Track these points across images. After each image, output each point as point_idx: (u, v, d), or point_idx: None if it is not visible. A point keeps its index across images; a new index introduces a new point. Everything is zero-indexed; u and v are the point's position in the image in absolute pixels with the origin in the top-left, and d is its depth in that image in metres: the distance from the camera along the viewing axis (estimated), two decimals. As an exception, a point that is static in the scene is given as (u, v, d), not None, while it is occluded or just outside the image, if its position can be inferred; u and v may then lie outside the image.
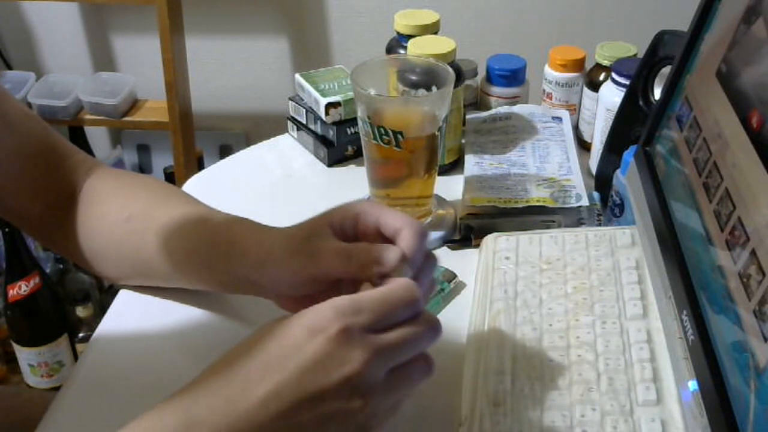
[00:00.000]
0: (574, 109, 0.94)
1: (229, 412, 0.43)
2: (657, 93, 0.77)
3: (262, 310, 0.69)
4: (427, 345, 0.48)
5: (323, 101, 0.88)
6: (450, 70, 0.73)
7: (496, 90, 0.94)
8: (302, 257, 0.54)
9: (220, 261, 0.60)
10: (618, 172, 0.75)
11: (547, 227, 0.76)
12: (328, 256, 0.53)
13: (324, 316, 0.44)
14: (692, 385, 0.49)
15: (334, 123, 0.89)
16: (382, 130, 0.71)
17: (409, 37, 0.84)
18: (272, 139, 0.99)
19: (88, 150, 1.91)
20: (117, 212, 0.66)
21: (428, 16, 0.87)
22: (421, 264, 0.53)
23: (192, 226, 0.63)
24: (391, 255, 0.51)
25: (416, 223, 0.53)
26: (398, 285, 0.48)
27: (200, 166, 1.81)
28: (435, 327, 0.48)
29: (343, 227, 0.55)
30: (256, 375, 0.44)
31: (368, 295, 0.47)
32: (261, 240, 0.58)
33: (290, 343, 0.44)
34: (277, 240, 0.57)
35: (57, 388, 0.68)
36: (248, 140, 1.99)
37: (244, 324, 0.68)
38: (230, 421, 0.43)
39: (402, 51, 0.86)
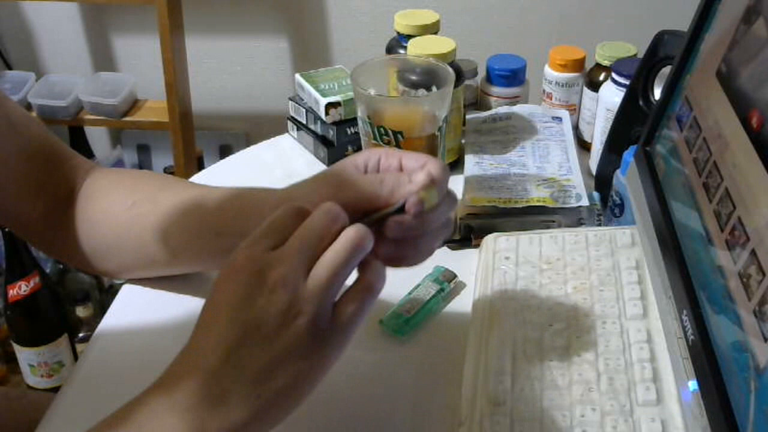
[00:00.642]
0: (574, 109, 0.94)
1: (196, 364, 0.45)
2: (657, 93, 0.77)
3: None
4: (355, 261, 0.46)
5: (323, 101, 0.88)
6: (450, 70, 0.73)
7: (496, 90, 0.94)
8: (331, 186, 0.54)
9: (229, 225, 0.60)
10: (618, 172, 0.75)
11: (547, 227, 0.76)
12: (359, 182, 0.53)
13: (232, 258, 0.46)
14: (692, 385, 0.49)
15: (334, 123, 0.89)
16: (382, 130, 0.71)
17: (409, 37, 0.84)
18: (272, 139, 0.99)
19: (88, 150, 1.91)
20: (121, 201, 0.67)
21: (428, 16, 0.87)
22: (444, 197, 0.54)
23: (197, 202, 0.64)
24: (420, 176, 0.52)
25: (439, 159, 0.53)
26: (317, 213, 0.48)
27: (200, 166, 1.81)
28: (357, 242, 0.46)
29: (367, 167, 0.56)
30: (201, 337, 0.46)
31: (297, 232, 0.47)
32: (272, 193, 0.60)
33: (216, 296, 0.46)
34: (300, 183, 0.58)
35: (57, 388, 0.68)
36: (248, 140, 1.99)
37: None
38: (198, 371, 0.44)
39: (402, 51, 0.86)
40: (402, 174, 0.53)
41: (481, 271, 0.70)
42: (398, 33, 0.87)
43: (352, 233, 0.46)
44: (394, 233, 0.52)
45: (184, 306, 0.70)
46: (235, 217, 0.61)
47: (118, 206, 0.67)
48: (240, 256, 0.46)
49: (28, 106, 1.68)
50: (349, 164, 0.56)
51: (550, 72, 0.93)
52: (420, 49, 0.81)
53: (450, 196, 0.55)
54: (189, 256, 0.65)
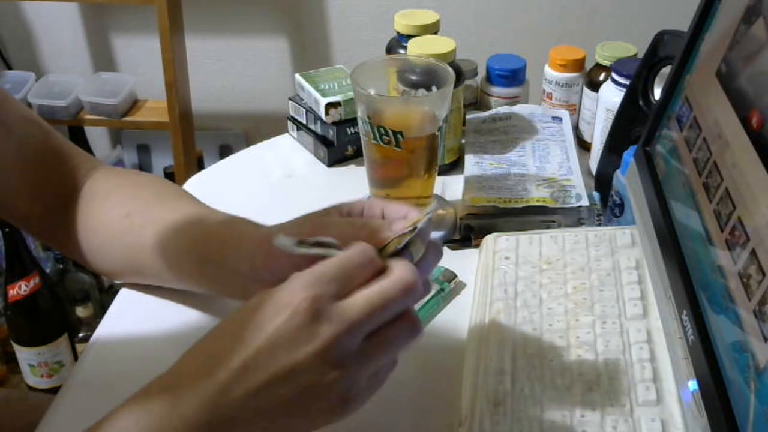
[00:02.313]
0: (574, 109, 0.94)
1: (210, 385, 0.43)
2: (657, 93, 0.77)
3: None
4: (402, 303, 0.45)
5: (323, 101, 0.88)
6: (450, 70, 0.73)
7: (496, 90, 0.94)
8: (314, 226, 0.53)
9: (213, 255, 0.60)
10: (618, 172, 0.75)
11: (547, 227, 0.76)
12: (340, 225, 0.53)
13: (290, 290, 0.44)
14: (692, 385, 0.49)
15: (334, 123, 0.89)
16: (382, 130, 0.71)
17: (409, 37, 0.84)
18: (272, 139, 0.99)
19: (88, 150, 1.91)
20: (117, 209, 0.67)
21: (428, 16, 0.87)
22: (429, 248, 0.52)
23: (188, 225, 0.63)
24: (400, 224, 0.50)
25: (421, 211, 0.53)
26: (354, 248, 0.47)
27: (200, 166, 1.81)
28: (407, 284, 0.45)
29: (351, 214, 0.56)
30: (226, 353, 0.44)
31: (328, 262, 0.46)
32: (258, 229, 0.58)
33: (259, 319, 0.44)
34: (285, 223, 0.57)
35: (57, 388, 0.68)
36: (248, 140, 1.99)
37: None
38: (211, 394, 0.43)
39: (402, 51, 0.86)
40: (383, 221, 0.52)
41: (481, 271, 0.70)
42: (398, 33, 0.87)
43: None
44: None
45: (184, 307, 0.70)
46: (218, 248, 0.60)
47: (113, 214, 0.67)
48: (303, 294, 0.44)
49: (28, 107, 1.68)
50: (333, 210, 0.56)
51: (550, 72, 0.93)
52: (420, 49, 0.81)
53: (436, 248, 0.53)
54: (175, 275, 0.64)
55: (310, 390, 0.43)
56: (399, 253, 0.49)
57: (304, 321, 0.43)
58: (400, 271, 0.46)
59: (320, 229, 0.52)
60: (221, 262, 0.59)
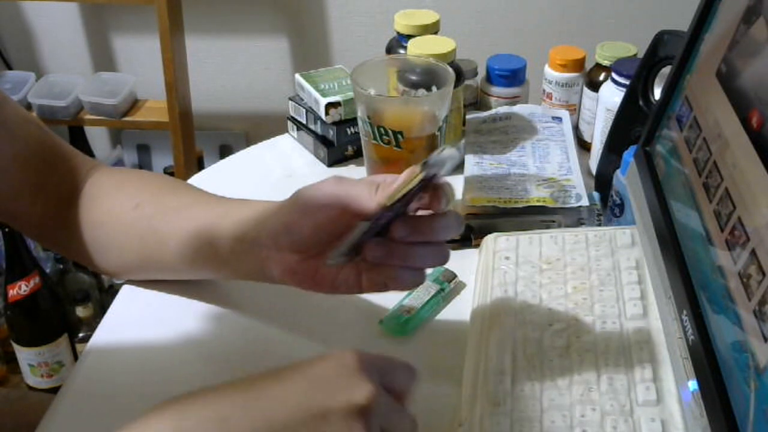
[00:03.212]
0: (574, 109, 0.94)
1: (248, 408, 0.42)
2: (657, 93, 0.77)
3: (265, 311, 0.69)
4: (405, 421, 0.46)
5: (323, 101, 0.88)
6: (450, 70, 0.73)
7: (496, 90, 0.94)
8: (330, 182, 0.56)
9: (231, 229, 0.60)
10: (618, 172, 0.75)
11: (547, 227, 0.76)
12: (360, 183, 0.55)
13: (341, 351, 0.45)
14: (692, 385, 0.49)
15: (334, 123, 0.89)
16: (382, 130, 0.71)
17: (409, 37, 0.85)
18: (272, 139, 0.99)
19: (88, 150, 1.91)
20: (126, 201, 0.67)
21: (428, 16, 0.87)
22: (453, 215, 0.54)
23: (202, 208, 0.64)
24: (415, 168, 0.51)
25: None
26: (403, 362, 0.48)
27: (200, 166, 1.81)
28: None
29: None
30: (256, 389, 0.43)
31: (380, 356, 0.47)
32: (274, 201, 0.60)
33: (304, 362, 0.45)
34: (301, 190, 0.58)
35: (57, 388, 0.67)
36: (248, 140, 1.99)
37: (244, 325, 0.68)
38: (248, 413, 0.42)
39: (402, 51, 0.86)
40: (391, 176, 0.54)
41: (481, 271, 0.70)
42: (398, 33, 0.87)
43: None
44: (401, 233, 0.53)
45: (184, 307, 0.70)
46: (237, 222, 0.60)
47: (123, 207, 0.67)
48: (351, 352, 0.44)
49: (28, 106, 1.67)
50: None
51: (550, 72, 0.93)
52: (420, 49, 0.81)
53: (458, 218, 0.55)
54: (189, 260, 0.64)
55: None
56: (420, 191, 0.50)
57: (347, 371, 0.43)
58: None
59: (341, 187, 0.54)
60: (241, 235, 0.59)
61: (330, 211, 0.55)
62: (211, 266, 0.64)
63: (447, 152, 0.49)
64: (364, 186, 0.54)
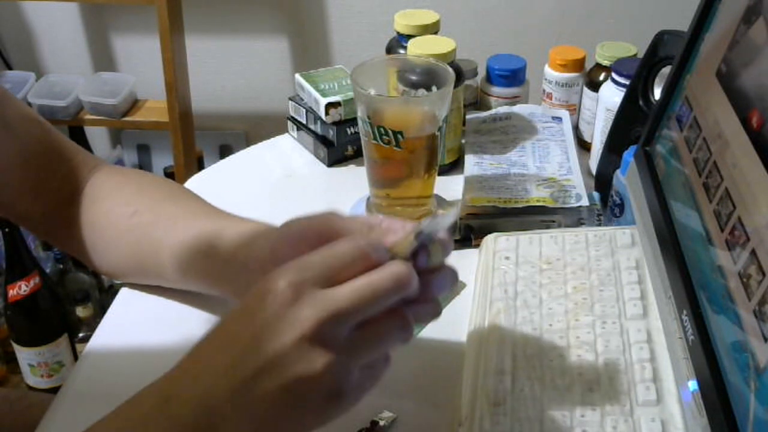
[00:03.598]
0: (574, 109, 0.94)
1: (197, 386, 0.43)
2: (657, 93, 0.77)
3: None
4: (391, 296, 0.44)
5: (323, 101, 0.88)
6: (450, 70, 0.73)
7: (496, 90, 0.94)
8: (319, 227, 0.52)
9: (223, 250, 0.60)
10: (618, 172, 0.75)
11: (547, 227, 0.76)
12: (354, 223, 0.51)
13: (271, 277, 0.43)
14: (692, 385, 0.49)
15: (334, 123, 0.89)
16: (382, 130, 0.71)
17: (409, 37, 0.84)
18: (272, 139, 0.99)
19: (88, 150, 1.90)
20: (123, 207, 0.67)
21: (428, 16, 0.87)
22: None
23: (198, 221, 0.63)
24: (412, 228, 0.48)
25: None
26: (346, 240, 0.46)
27: (200, 166, 1.81)
28: (398, 277, 0.43)
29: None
30: (216, 347, 0.44)
31: (317, 251, 0.45)
32: (270, 227, 0.58)
33: (244, 310, 0.44)
34: (289, 221, 0.56)
35: (57, 388, 0.67)
36: (248, 140, 1.99)
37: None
38: (198, 393, 0.42)
39: (402, 51, 0.86)
40: (390, 222, 0.51)
41: (481, 271, 0.70)
42: (398, 33, 0.87)
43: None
44: None
45: (184, 306, 0.70)
46: (229, 243, 0.59)
47: (120, 212, 0.67)
48: (283, 280, 0.42)
49: (28, 106, 1.67)
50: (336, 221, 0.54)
51: (550, 72, 0.93)
52: (420, 49, 0.80)
53: (451, 272, 0.50)
54: (182, 272, 0.64)
55: (298, 382, 0.41)
56: (413, 256, 0.47)
57: (284, 306, 0.42)
58: (392, 265, 0.44)
59: (330, 231, 0.51)
60: (231, 257, 0.59)
61: (318, 247, 0.53)
62: (203, 279, 0.63)
63: (440, 219, 0.47)
64: (358, 227, 0.51)
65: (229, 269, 0.59)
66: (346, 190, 0.83)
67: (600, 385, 0.56)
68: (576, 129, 0.94)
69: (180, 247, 0.62)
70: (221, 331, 0.45)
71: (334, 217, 0.52)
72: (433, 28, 0.86)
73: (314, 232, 0.51)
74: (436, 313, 0.49)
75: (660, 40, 0.77)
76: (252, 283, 0.56)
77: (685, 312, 0.52)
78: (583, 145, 0.92)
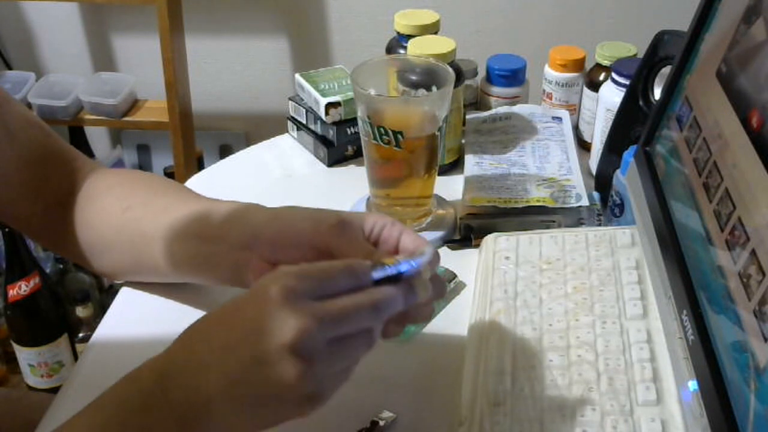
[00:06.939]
0: (574, 109, 0.94)
1: (191, 367, 0.46)
2: (657, 93, 0.77)
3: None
4: (369, 320, 0.47)
5: (323, 101, 0.88)
6: (450, 70, 0.73)
7: (496, 90, 0.94)
8: (334, 230, 0.55)
9: (214, 230, 0.60)
10: (618, 172, 0.75)
11: (547, 227, 0.76)
12: (356, 243, 0.55)
13: (268, 277, 0.46)
14: (692, 385, 0.49)
15: (334, 123, 0.89)
16: (382, 130, 0.71)
17: (409, 37, 0.84)
18: (272, 139, 0.99)
19: (88, 150, 1.91)
20: (116, 204, 0.67)
21: (428, 16, 0.87)
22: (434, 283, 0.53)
23: (189, 209, 0.64)
24: (422, 248, 0.52)
25: (433, 247, 0.53)
26: (344, 260, 0.49)
27: (200, 166, 1.81)
28: (378, 306, 0.47)
29: (372, 232, 0.56)
30: (210, 334, 0.47)
31: (315, 264, 0.48)
32: (262, 207, 0.61)
33: (239, 305, 0.46)
34: (307, 210, 0.59)
35: (57, 388, 0.67)
36: (248, 140, 1.99)
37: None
38: (192, 373, 0.45)
39: (402, 51, 0.86)
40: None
41: (481, 271, 0.70)
42: (398, 33, 0.87)
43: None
44: None
45: (183, 306, 0.70)
46: (220, 223, 0.61)
47: (113, 209, 0.67)
48: (278, 283, 0.45)
49: (28, 106, 1.67)
50: (357, 221, 0.56)
51: (550, 72, 0.93)
52: (420, 49, 0.81)
53: (439, 283, 0.54)
54: (174, 262, 0.64)
55: (274, 385, 0.44)
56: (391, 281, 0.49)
57: (273, 309, 0.44)
58: (378, 292, 0.47)
59: (338, 238, 0.54)
60: (222, 236, 0.60)
61: (318, 253, 0.55)
62: (194, 265, 0.64)
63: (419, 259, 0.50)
64: (361, 249, 0.54)
65: (217, 250, 0.60)
66: (346, 190, 0.83)
67: (600, 385, 0.56)
68: (576, 129, 0.94)
69: (170, 231, 0.63)
70: (217, 318, 0.48)
71: (340, 236, 0.55)
72: (433, 28, 0.86)
73: (316, 244, 0.55)
74: (429, 316, 0.53)
75: (660, 40, 0.77)
76: (241, 265, 0.58)
77: (685, 312, 0.52)
78: (583, 145, 0.92)
